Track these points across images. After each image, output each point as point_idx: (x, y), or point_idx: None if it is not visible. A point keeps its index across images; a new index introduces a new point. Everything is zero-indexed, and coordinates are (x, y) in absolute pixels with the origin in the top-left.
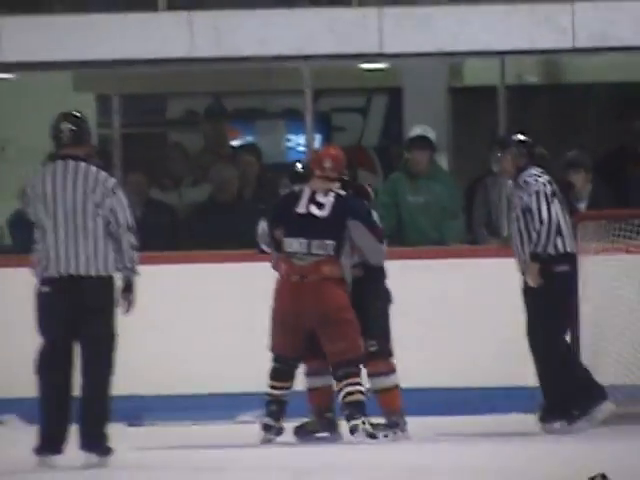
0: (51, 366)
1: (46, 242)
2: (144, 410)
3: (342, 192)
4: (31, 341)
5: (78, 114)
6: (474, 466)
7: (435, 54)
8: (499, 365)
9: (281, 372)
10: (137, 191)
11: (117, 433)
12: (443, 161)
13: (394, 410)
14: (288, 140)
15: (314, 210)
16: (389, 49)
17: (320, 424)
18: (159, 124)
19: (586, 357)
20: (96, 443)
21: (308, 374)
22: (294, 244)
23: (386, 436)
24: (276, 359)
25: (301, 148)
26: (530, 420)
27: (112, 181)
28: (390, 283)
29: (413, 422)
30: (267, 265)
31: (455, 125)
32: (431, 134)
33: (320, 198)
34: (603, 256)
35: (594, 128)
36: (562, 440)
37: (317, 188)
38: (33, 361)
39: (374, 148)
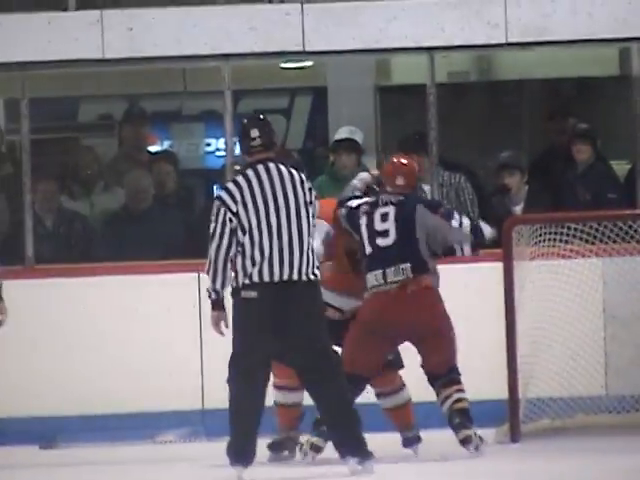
0: (249, 376)
1: (260, 247)
2: (58, 431)
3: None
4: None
5: (262, 117)
6: None
7: (361, 51)
8: None
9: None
10: (47, 199)
11: (28, 456)
12: (371, 164)
13: (410, 425)
14: (207, 144)
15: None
16: (312, 46)
17: (283, 442)
18: (71, 129)
19: (522, 368)
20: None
21: (279, 388)
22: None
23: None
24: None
25: (220, 153)
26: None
27: (304, 177)
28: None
29: None
30: (187, 276)
31: (383, 125)
32: (358, 135)
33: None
34: (538, 261)
35: (528, 127)
36: (495, 458)
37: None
38: (227, 367)
39: (298, 151)
